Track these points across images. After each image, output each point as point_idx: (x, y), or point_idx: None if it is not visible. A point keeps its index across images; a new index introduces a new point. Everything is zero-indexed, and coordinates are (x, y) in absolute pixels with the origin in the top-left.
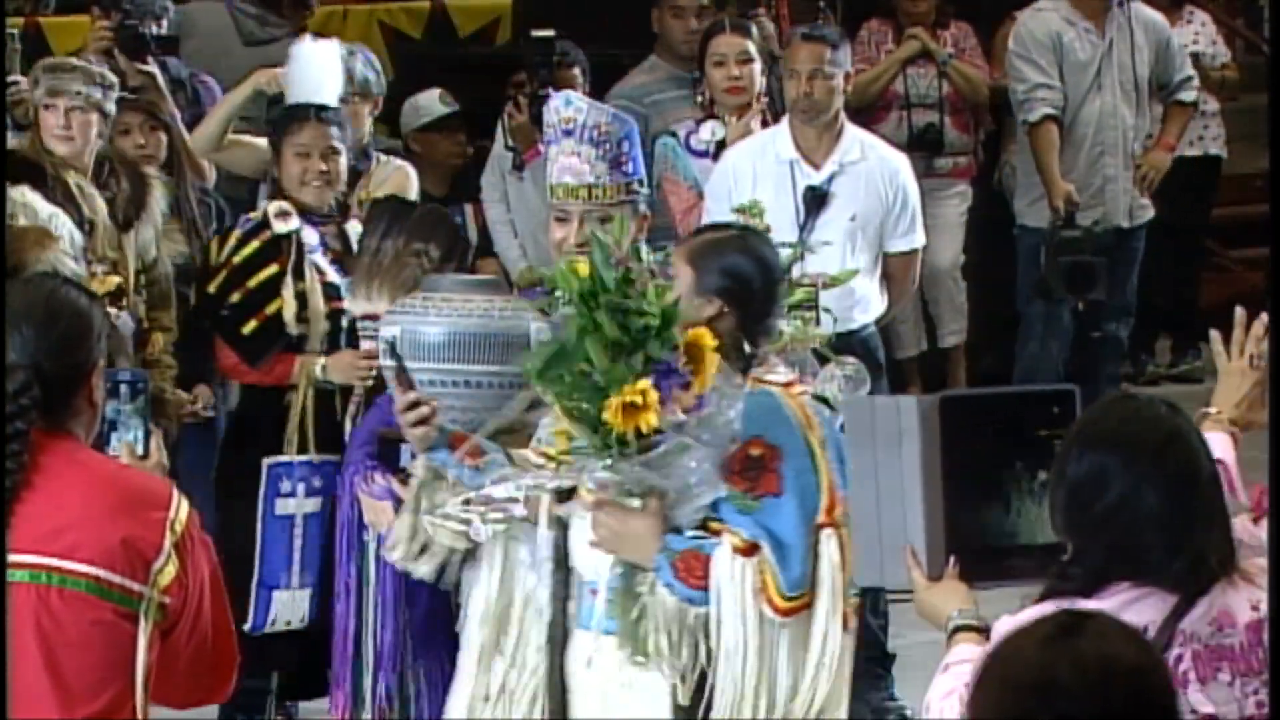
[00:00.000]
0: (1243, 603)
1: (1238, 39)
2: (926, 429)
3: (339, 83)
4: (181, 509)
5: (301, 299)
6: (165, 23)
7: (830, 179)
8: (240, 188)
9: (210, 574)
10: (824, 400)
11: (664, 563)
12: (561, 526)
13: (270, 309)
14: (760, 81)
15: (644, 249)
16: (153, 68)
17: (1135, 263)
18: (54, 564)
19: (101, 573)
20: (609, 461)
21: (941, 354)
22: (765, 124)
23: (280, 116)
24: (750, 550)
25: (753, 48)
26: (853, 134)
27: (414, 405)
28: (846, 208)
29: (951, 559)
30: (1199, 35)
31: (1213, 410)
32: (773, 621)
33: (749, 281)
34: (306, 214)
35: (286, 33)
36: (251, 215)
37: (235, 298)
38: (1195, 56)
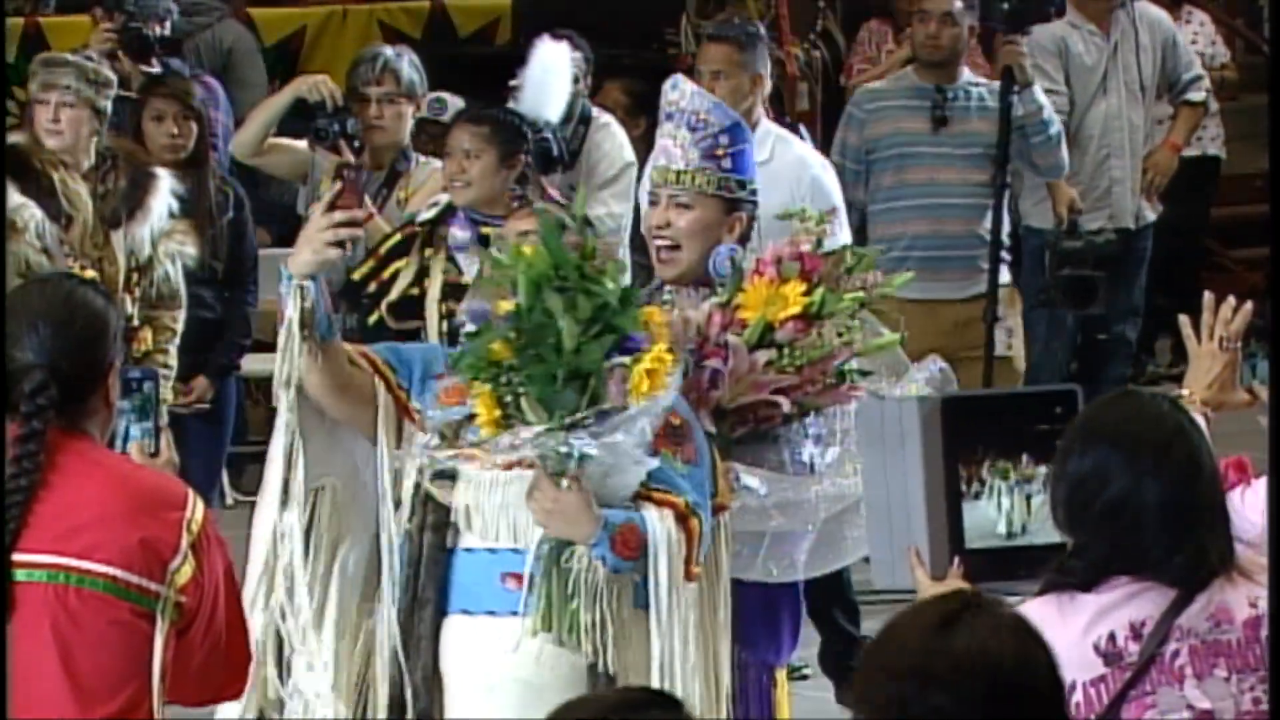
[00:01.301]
0: (1241, 599)
1: (1237, 39)
2: (929, 430)
3: (561, 94)
4: (197, 509)
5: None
6: (168, 24)
7: None
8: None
9: (225, 573)
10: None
11: (604, 538)
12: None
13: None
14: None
15: (736, 251)
16: (156, 69)
17: (1143, 263)
18: (72, 564)
19: (119, 573)
20: (557, 437)
21: None
22: None
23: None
24: (687, 516)
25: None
26: (766, 135)
27: (350, 224)
28: None
29: (956, 559)
30: (1198, 35)
31: (1185, 392)
32: (685, 585)
33: None
34: (473, 211)
35: (217, 18)
36: None
37: (371, 288)
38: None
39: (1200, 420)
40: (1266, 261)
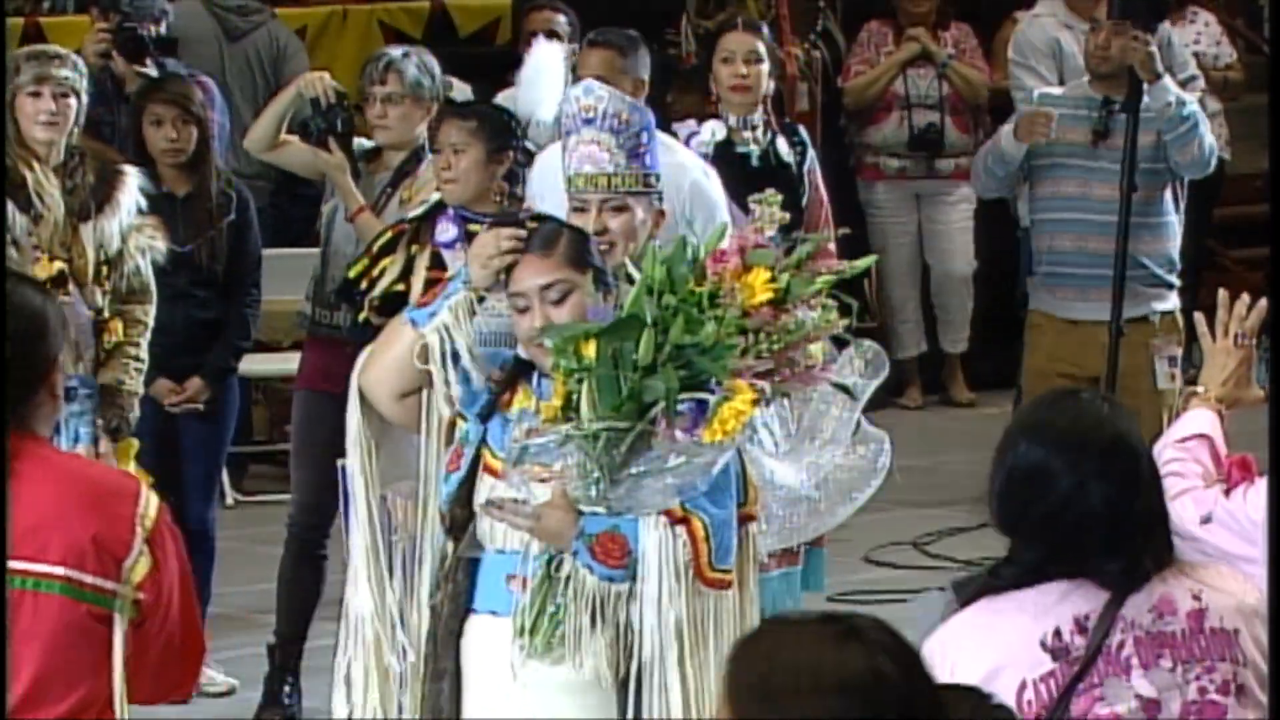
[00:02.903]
0: (1184, 592)
1: (1239, 39)
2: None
3: (555, 93)
4: (150, 504)
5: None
6: (164, 25)
7: None
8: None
9: (179, 568)
10: (845, 389)
11: (581, 547)
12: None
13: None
14: (768, 84)
15: (656, 244)
16: (151, 70)
17: None
18: (28, 568)
19: (73, 573)
20: (586, 443)
21: (941, 355)
22: (769, 126)
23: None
24: (684, 520)
25: (763, 48)
26: None
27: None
28: None
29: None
30: (1201, 35)
31: (1200, 389)
32: (702, 592)
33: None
34: (461, 210)
35: (268, 17)
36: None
37: (363, 285)
38: (1195, 56)
39: (1215, 417)
40: (1266, 261)
